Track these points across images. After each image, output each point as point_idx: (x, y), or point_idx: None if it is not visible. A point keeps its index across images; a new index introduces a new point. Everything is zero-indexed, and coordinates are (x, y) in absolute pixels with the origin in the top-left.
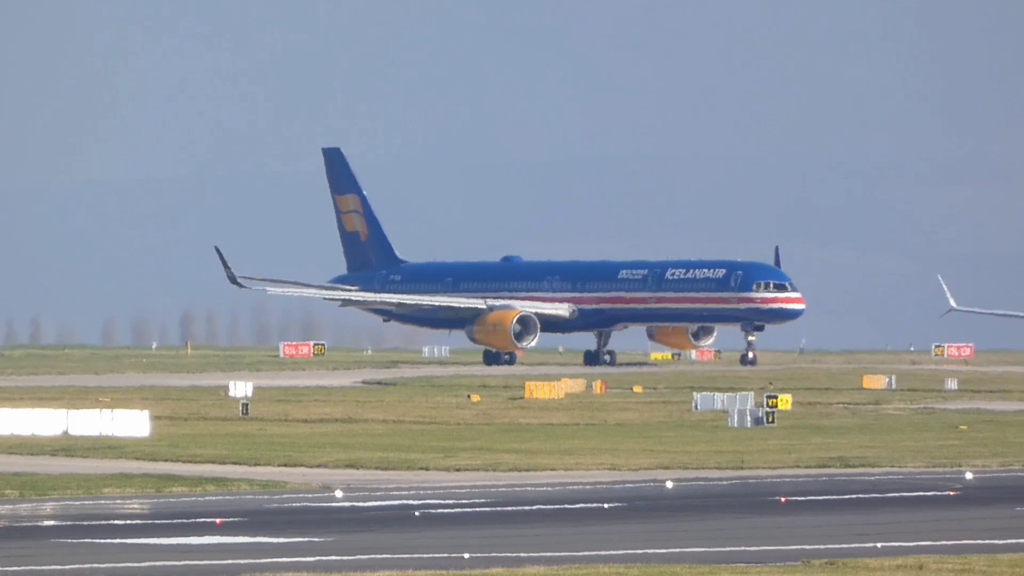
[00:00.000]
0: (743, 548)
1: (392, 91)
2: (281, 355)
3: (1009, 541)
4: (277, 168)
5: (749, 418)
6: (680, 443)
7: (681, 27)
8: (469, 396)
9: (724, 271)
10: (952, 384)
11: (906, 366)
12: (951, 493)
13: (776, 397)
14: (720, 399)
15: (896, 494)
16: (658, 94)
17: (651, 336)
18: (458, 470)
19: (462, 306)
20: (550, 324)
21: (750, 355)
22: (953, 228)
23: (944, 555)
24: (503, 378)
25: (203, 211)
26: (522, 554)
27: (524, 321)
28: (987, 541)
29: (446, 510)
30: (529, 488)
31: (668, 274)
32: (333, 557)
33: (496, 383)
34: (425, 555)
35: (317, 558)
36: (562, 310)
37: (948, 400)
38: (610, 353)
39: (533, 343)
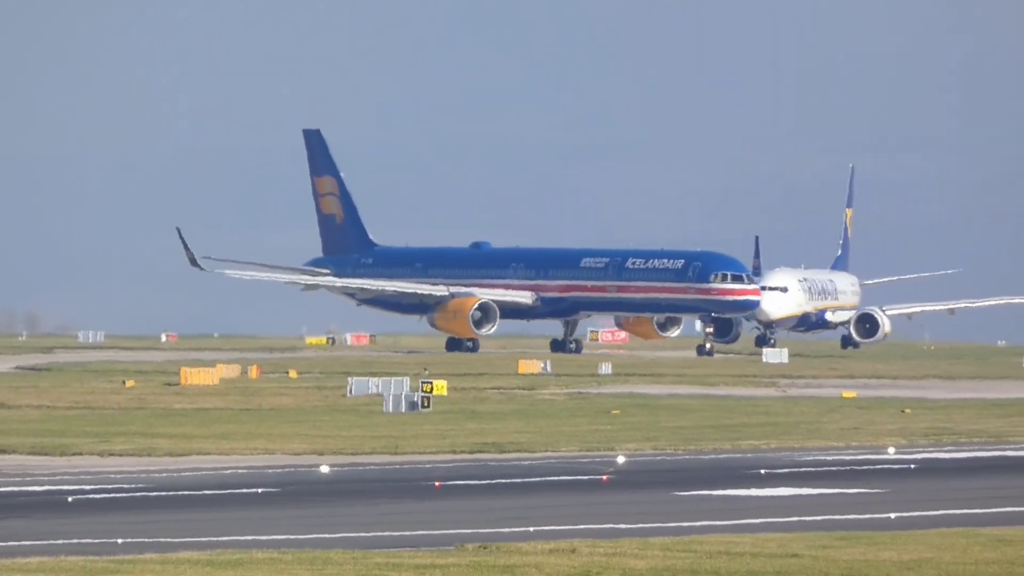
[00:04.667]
0: (398, 533)
1: (374, 73)
2: None
3: (660, 524)
4: (257, 147)
5: (404, 403)
6: (335, 428)
7: (712, 16)
8: (124, 382)
9: (683, 261)
10: (607, 369)
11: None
12: (604, 478)
13: (431, 382)
14: (375, 384)
15: (550, 478)
16: (646, 80)
17: (619, 325)
18: (112, 455)
19: (425, 292)
20: (512, 312)
21: (707, 346)
22: (630, 206)
23: (597, 539)
24: (158, 364)
25: (168, 190)
26: (176, 539)
27: (484, 308)
28: (639, 525)
29: (100, 495)
30: (184, 473)
31: (629, 263)
32: None
33: (152, 368)
34: (78, 540)
35: None
36: (524, 298)
37: (602, 384)
38: (576, 341)
39: (493, 330)
